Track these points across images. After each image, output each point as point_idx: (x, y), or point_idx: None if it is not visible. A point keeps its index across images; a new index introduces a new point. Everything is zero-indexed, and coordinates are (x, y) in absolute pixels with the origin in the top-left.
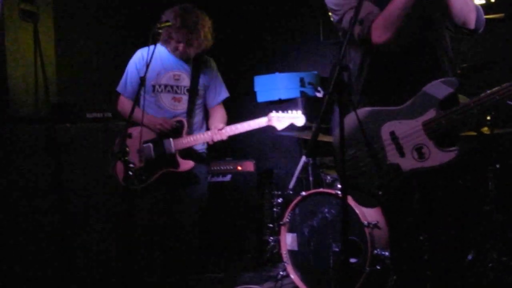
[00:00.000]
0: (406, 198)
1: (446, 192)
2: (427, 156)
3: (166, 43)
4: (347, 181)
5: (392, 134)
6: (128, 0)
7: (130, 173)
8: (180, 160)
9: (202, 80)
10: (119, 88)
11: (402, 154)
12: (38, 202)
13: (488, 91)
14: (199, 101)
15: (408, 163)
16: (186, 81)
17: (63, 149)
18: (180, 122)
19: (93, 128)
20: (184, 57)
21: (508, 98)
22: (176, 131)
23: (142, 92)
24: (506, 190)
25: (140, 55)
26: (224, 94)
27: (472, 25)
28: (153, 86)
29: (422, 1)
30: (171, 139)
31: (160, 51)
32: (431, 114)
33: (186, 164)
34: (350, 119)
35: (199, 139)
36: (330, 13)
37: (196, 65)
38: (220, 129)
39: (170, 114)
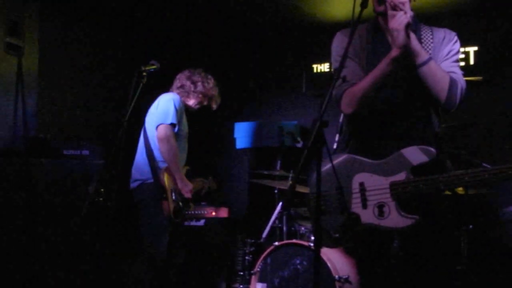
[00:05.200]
0: (382, 253)
1: (421, 250)
2: (385, 216)
3: (202, 102)
4: (320, 233)
5: (362, 185)
6: (114, 39)
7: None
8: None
9: None
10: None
11: (364, 206)
12: (10, 239)
13: (457, 172)
14: None
15: (367, 216)
16: None
17: (36, 185)
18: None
19: (69, 165)
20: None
21: (478, 182)
22: None
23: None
24: (478, 251)
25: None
26: None
27: (440, 103)
28: (187, 133)
29: (384, 81)
30: None
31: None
32: (401, 176)
33: None
34: (329, 162)
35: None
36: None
37: None
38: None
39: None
